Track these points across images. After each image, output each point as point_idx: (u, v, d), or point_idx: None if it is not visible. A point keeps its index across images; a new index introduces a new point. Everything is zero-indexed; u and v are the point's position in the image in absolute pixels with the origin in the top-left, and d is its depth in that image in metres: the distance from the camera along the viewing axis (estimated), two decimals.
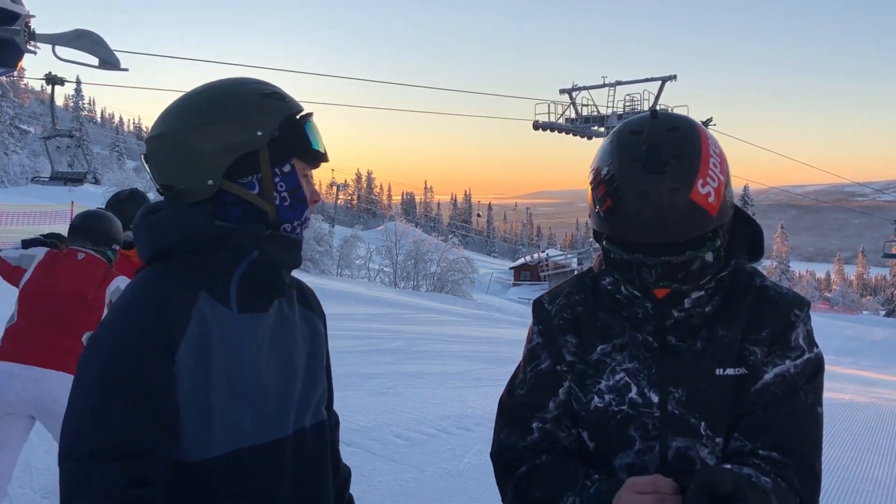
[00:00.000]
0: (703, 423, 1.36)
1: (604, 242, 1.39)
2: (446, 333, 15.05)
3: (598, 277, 1.49)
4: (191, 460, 1.30)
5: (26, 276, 3.85)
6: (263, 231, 1.36)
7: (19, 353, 3.49)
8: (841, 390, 11.90)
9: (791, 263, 74.50)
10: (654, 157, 1.29)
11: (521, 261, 68.64)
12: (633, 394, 1.38)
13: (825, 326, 35.04)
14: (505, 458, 1.46)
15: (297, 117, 1.42)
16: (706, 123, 27.59)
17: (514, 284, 61.60)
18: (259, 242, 1.36)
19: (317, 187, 1.49)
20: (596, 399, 1.42)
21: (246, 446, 1.34)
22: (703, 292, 1.38)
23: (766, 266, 67.61)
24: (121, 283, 3.86)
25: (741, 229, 1.47)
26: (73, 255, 3.91)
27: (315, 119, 1.46)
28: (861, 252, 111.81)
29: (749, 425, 1.34)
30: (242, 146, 1.36)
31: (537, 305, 1.56)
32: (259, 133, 1.36)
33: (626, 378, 1.40)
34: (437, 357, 11.14)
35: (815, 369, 1.39)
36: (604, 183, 1.33)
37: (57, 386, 3.41)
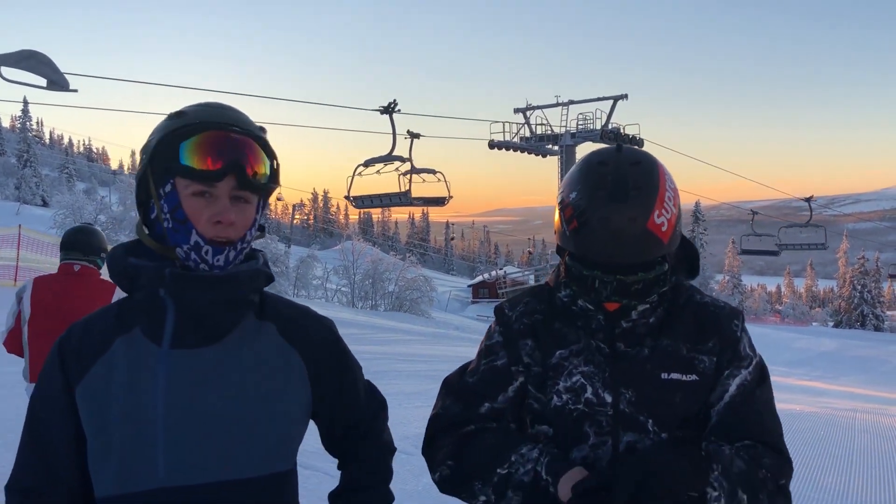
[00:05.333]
0: (650, 421, 1.53)
1: (566, 258, 1.58)
2: (405, 353, 15.01)
3: (554, 290, 1.66)
4: (98, 495, 1.33)
5: (26, 315, 3.92)
6: (165, 269, 1.32)
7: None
8: (792, 401, 12.18)
9: (743, 277, 76.00)
10: (618, 188, 1.45)
11: (480, 278, 68.90)
12: (589, 394, 1.54)
13: (777, 339, 35.77)
14: (448, 420, 1.60)
15: (173, 132, 1.33)
16: (754, 214, 30.82)
17: (473, 302, 61.81)
18: (161, 282, 1.33)
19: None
20: (555, 398, 1.57)
21: (110, 494, 1.31)
22: (647, 305, 1.57)
23: (718, 280, 68.97)
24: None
25: (679, 251, 1.64)
26: (69, 270, 4.03)
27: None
28: (809, 265, 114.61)
29: (721, 428, 1.53)
30: (141, 173, 1.37)
31: (499, 310, 1.71)
32: (145, 156, 1.36)
33: (582, 380, 1.55)
34: (396, 377, 11.09)
35: (761, 370, 1.60)
36: (572, 206, 1.49)
37: None
